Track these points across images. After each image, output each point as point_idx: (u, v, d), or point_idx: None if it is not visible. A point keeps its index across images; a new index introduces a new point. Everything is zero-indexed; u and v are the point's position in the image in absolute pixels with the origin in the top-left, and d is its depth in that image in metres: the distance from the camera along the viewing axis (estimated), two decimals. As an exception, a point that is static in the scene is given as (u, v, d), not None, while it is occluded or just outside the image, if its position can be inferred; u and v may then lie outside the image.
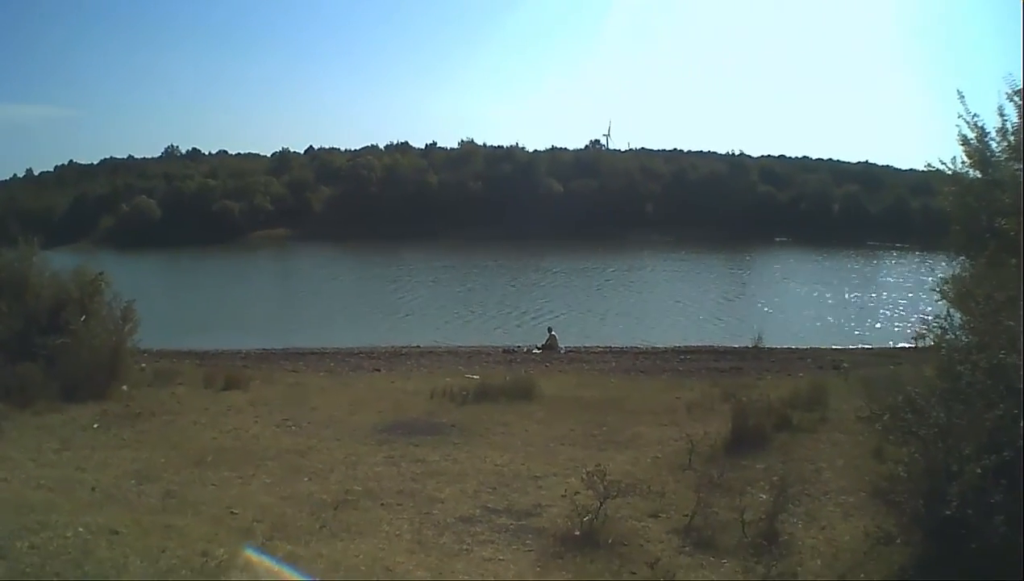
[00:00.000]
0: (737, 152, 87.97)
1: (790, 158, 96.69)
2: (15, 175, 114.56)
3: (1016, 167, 9.52)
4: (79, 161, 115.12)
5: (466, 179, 79.13)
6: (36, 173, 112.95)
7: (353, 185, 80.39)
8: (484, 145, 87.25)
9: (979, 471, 5.11)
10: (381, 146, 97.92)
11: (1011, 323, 5.34)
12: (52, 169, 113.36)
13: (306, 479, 8.94)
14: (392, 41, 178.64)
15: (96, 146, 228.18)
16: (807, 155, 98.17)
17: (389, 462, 9.68)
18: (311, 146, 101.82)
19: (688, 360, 20.72)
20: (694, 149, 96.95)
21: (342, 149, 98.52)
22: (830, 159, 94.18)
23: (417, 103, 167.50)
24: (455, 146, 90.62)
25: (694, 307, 34.52)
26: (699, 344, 23.85)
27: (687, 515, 7.46)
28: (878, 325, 30.19)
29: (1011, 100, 9.60)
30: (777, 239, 70.26)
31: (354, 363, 20.71)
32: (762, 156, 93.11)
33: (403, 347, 23.70)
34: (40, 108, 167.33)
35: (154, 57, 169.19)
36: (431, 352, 22.71)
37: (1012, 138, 9.65)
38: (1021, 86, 9.36)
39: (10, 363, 12.76)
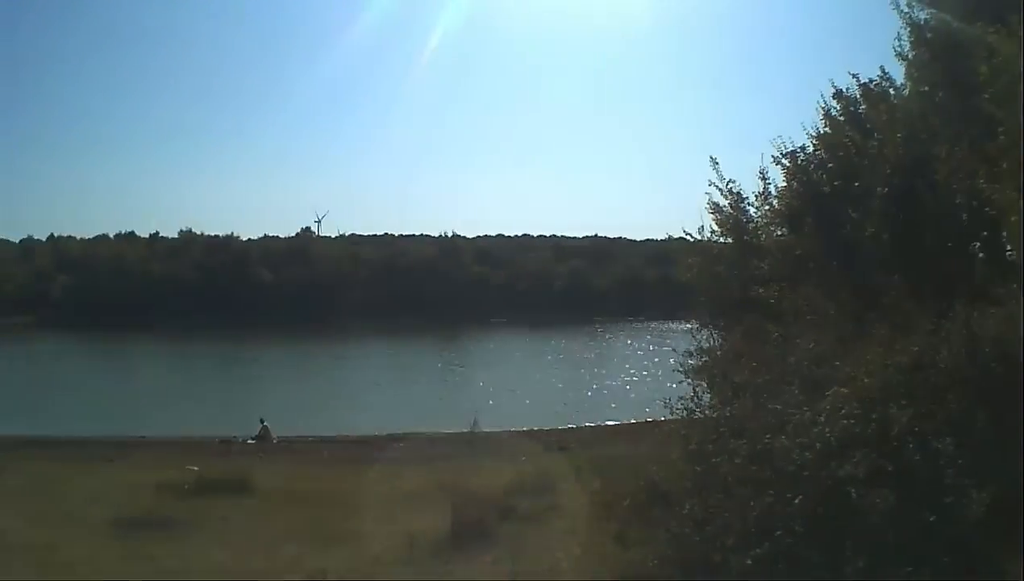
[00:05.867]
0: (450, 233, 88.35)
1: (508, 237, 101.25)
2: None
3: (778, 232, 9.18)
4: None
5: (185, 269, 78.61)
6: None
7: (87, 275, 78.73)
8: (202, 234, 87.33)
9: (749, 561, 4.82)
10: (111, 235, 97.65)
11: (777, 407, 5.23)
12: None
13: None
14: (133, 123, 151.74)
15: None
16: (527, 233, 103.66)
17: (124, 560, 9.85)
18: (51, 234, 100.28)
19: (402, 448, 20.91)
20: (406, 233, 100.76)
21: (77, 237, 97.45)
22: (553, 235, 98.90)
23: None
24: (175, 236, 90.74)
25: (402, 392, 35.04)
26: (412, 430, 23.96)
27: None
28: (604, 403, 31.54)
29: (778, 163, 9.27)
30: (493, 320, 69.49)
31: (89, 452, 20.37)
32: (477, 236, 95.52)
33: (129, 437, 23.65)
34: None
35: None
36: (157, 443, 23.06)
37: (775, 202, 9.35)
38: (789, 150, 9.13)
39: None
